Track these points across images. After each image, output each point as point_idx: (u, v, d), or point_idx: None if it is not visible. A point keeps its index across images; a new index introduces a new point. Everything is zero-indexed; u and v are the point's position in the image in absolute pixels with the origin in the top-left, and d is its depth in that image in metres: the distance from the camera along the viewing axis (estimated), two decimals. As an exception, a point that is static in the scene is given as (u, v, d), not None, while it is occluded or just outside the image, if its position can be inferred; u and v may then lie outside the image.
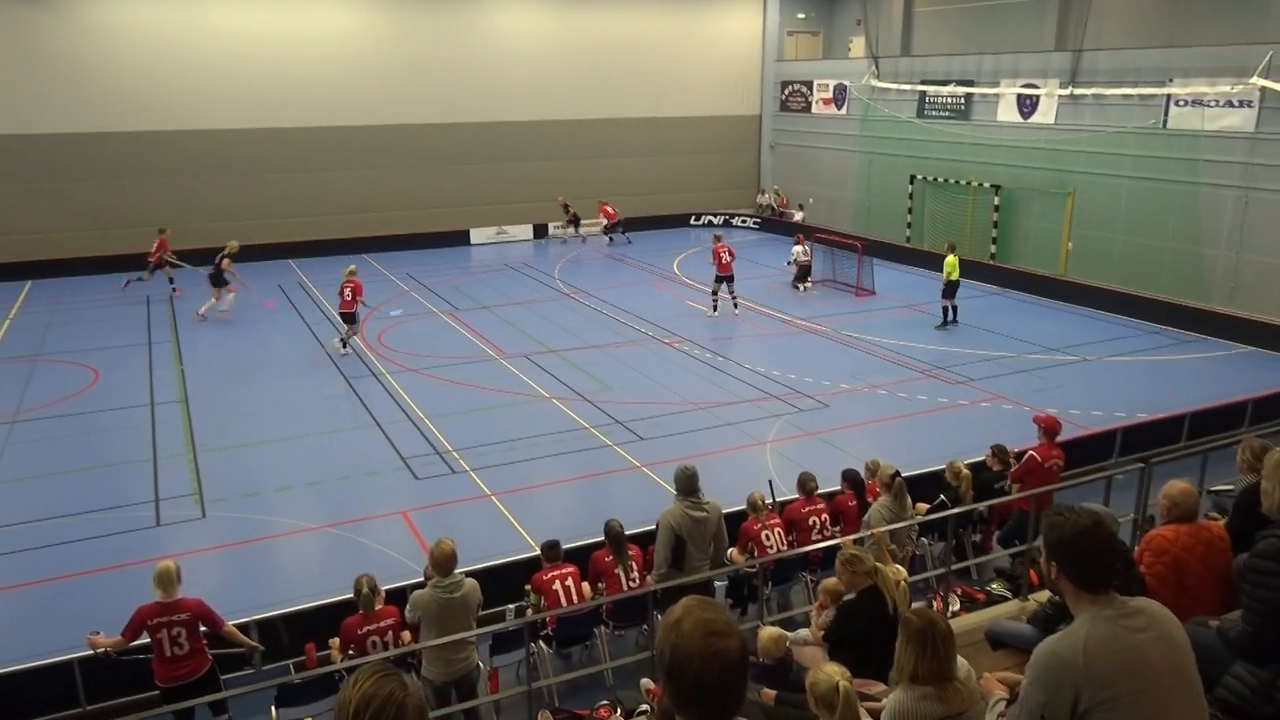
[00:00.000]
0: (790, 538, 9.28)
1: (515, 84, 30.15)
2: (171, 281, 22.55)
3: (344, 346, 18.19)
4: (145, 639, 7.02)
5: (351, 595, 7.60)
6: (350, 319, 18.15)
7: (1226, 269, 19.99)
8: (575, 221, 30.01)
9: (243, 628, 7.78)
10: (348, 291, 17.96)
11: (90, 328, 20.45)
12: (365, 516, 11.62)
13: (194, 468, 13.14)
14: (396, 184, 29.18)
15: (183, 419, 15.03)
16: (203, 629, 7.14)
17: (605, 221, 30.15)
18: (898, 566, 6.44)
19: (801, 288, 23.87)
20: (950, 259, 19.85)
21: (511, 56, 30.02)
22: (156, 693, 7.12)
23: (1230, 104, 19.44)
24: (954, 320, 20.19)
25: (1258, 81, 18.70)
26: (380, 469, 13.09)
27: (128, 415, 15.15)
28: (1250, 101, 19.06)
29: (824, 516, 9.51)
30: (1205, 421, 13.60)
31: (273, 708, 7.20)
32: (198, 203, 26.66)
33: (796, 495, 9.82)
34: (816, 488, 9.77)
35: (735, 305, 21.20)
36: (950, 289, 20.00)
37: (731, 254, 20.90)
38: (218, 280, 20.79)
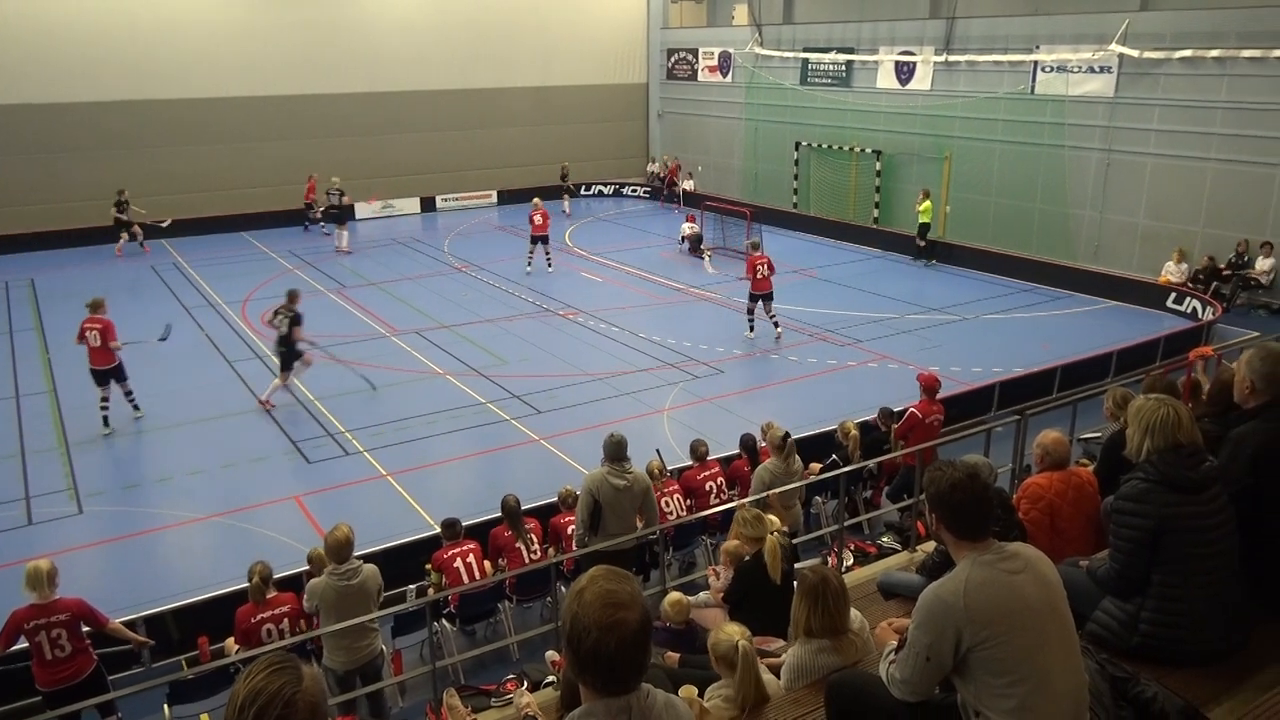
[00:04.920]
0: (689, 503, 9.43)
1: (397, 52, 29.28)
2: None
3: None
4: (24, 643, 6.68)
5: (244, 584, 7.40)
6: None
7: (1091, 228, 21.05)
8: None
9: (130, 625, 7.49)
10: None
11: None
12: (255, 504, 11.25)
13: (66, 461, 12.49)
14: (274, 158, 27.99)
15: (52, 410, 14.24)
16: (85, 628, 6.83)
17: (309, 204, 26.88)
18: (772, 517, 6.65)
19: (707, 256, 23.68)
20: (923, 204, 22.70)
21: (393, 23, 29.13)
22: (39, 698, 6.79)
23: (1092, 70, 20.39)
24: (930, 258, 23.09)
25: (1116, 48, 19.65)
26: (269, 454, 12.69)
27: (-10, 409, 14.27)
28: (1110, 67, 20.02)
29: (719, 480, 9.69)
30: (1075, 373, 14.35)
31: (165, 706, 6.96)
32: (55, 181, 25.06)
33: (690, 462, 9.98)
34: (708, 453, 9.95)
35: (776, 327, 17.18)
36: (922, 230, 22.78)
37: (771, 268, 16.88)
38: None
